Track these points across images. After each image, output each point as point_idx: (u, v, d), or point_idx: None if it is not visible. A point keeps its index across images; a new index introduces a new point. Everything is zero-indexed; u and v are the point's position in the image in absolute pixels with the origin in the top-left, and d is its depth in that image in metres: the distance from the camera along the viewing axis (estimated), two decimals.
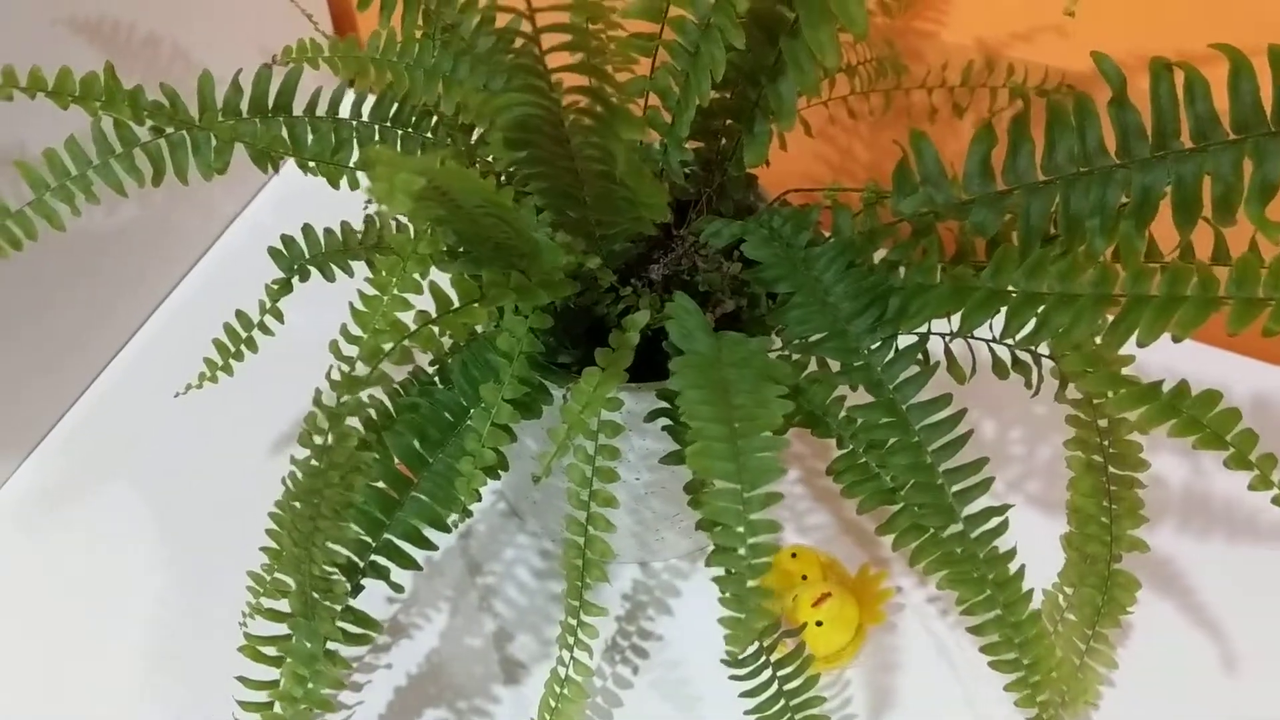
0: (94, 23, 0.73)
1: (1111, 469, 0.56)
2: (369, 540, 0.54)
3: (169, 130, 0.53)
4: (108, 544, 0.75)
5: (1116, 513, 0.56)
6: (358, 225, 0.60)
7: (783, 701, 0.57)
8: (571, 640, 0.60)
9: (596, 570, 0.58)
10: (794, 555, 0.71)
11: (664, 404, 0.58)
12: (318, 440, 0.54)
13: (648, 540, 0.73)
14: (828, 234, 0.58)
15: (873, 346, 0.51)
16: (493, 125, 0.43)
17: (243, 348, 0.58)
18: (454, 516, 0.55)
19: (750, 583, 0.39)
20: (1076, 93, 0.48)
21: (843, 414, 0.54)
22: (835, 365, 0.53)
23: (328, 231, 0.57)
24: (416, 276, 0.54)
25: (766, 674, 0.57)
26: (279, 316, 0.57)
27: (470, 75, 0.52)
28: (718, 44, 0.53)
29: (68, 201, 0.52)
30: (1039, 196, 0.49)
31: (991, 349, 0.53)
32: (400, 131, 0.59)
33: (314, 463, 0.54)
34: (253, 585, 0.57)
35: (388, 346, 0.45)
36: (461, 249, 0.56)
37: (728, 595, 0.40)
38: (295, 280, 0.56)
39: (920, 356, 0.53)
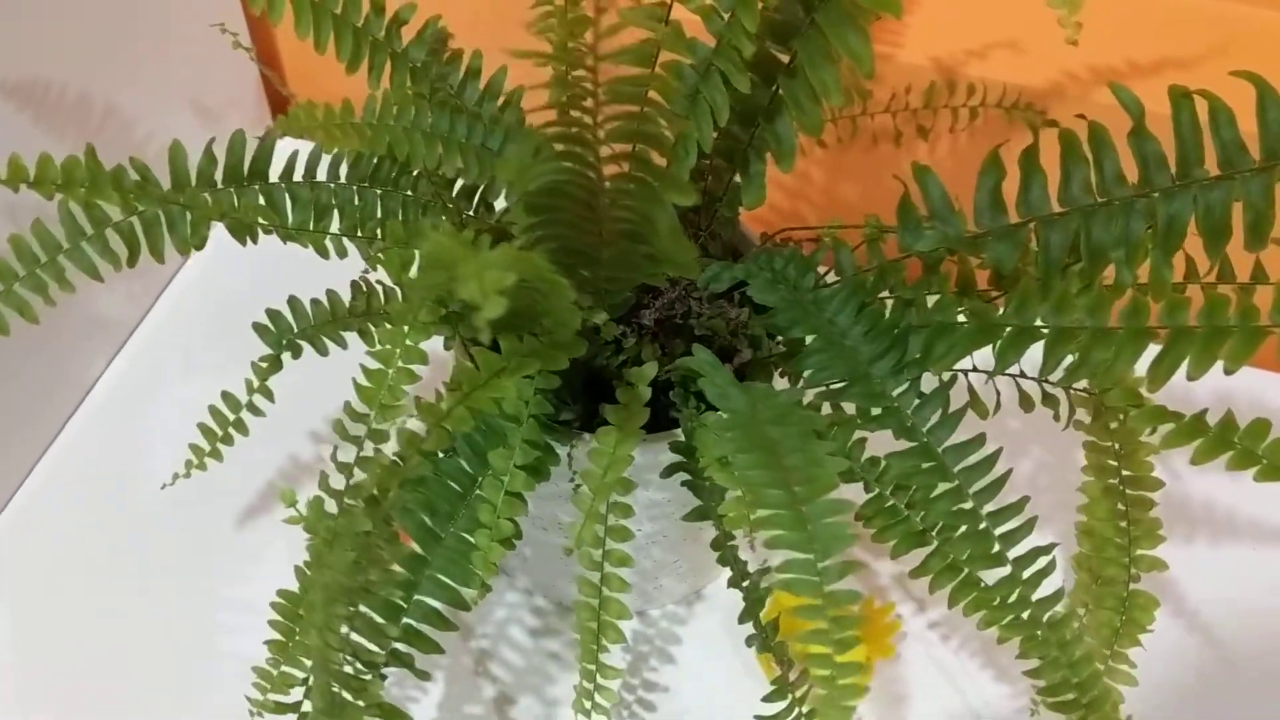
0: (26, 85, 0.69)
1: (1128, 491, 0.56)
2: (388, 627, 0.51)
3: (141, 207, 0.50)
4: (60, 627, 0.71)
5: (1134, 534, 0.56)
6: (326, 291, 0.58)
7: None
8: (588, 705, 0.58)
9: (613, 631, 0.56)
10: None
11: (678, 457, 0.56)
12: (326, 526, 0.51)
13: (646, 589, 0.71)
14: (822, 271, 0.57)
15: (899, 390, 0.50)
16: (514, 190, 0.41)
17: (231, 430, 0.55)
18: (473, 593, 0.53)
19: (840, 657, 0.38)
20: (1090, 122, 0.48)
21: (865, 458, 0.53)
22: (850, 408, 0.52)
23: (314, 302, 0.55)
24: (421, 346, 0.52)
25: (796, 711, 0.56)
26: (269, 395, 0.54)
27: (469, 133, 0.49)
28: (719, 88, 0.52)
29: (40, 292, 0.49)
30: (1057, 228, 0.49)
31: (1018, 383, 0.52)
32: (379, 191, 0.57)
33: (324, 549, 0.52)
34: (258, 680, 0.54)
35: (427, 431, 0.42)
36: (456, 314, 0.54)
37: (817, 675, 0.38)
38: (286, 356, 0.53)
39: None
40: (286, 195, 0.54)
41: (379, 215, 0.56)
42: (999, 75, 0.77)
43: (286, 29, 0.69)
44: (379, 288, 0.56)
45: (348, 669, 0.49)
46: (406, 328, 0.51)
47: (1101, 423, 0.54)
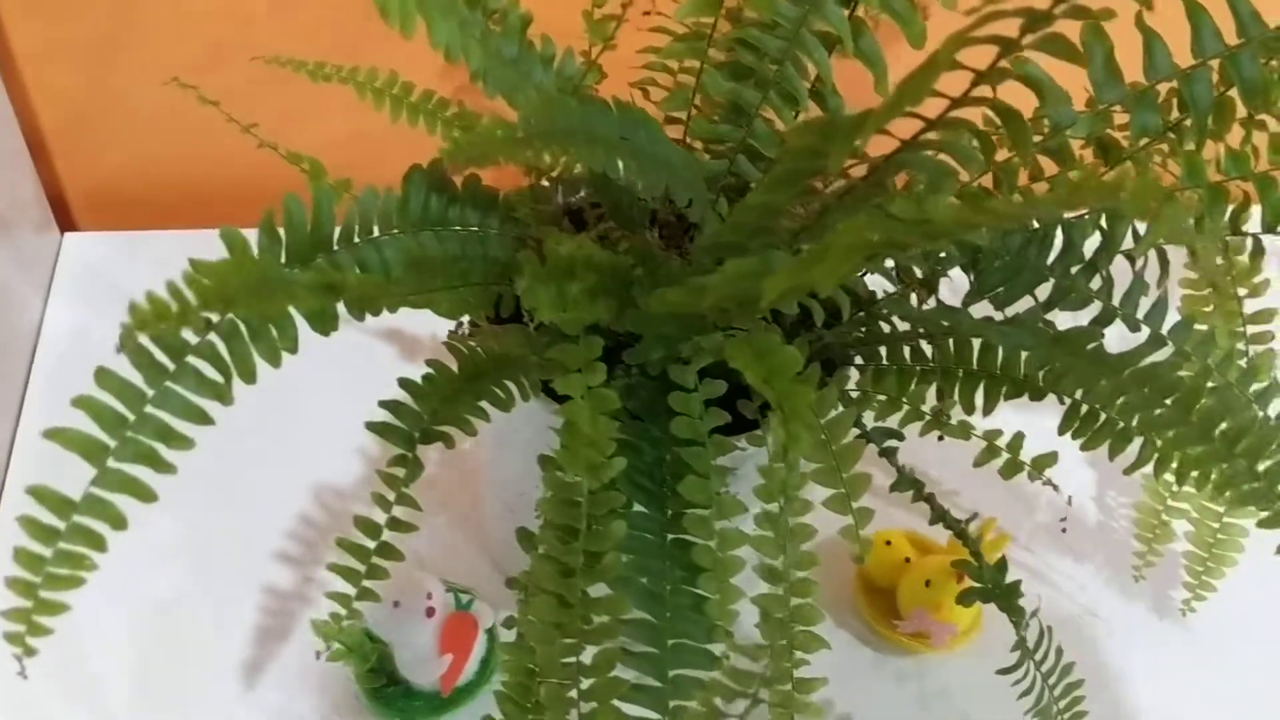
0: None
1: (1249, 328, 0.56)
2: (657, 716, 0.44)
3: (216, 319, 0.39)
4: None
5: (1255, 365, 0.57)
6: None
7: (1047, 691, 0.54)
8: None
9: (811, 640, 0.51)
10: (888, 543, 0.67)
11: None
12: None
13: None
14: None
15: (1098, 286, 0.48)
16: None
17: (376, 559, 0.44)
18: (722, 647, 0.46)
19: None
20: None
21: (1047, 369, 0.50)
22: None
23: (426, 378, 0.45)
24: (603, 389, 0.44)
25: (1033, 673, 0.53)
26: (413, 504, 0.43)
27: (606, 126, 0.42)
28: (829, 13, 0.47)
29: (147, 460, 0.36)
30: (1198, 81, 0.48)
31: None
32: (431, 231, 0.48)
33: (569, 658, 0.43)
34: None
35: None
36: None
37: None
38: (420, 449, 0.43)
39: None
40: (352, 261, 0.44)
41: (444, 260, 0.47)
42: None
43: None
44: (476, 345, 0.47)
45: None
46: (581, 371, 0.43)
47: (1226, 265, 0.54)
